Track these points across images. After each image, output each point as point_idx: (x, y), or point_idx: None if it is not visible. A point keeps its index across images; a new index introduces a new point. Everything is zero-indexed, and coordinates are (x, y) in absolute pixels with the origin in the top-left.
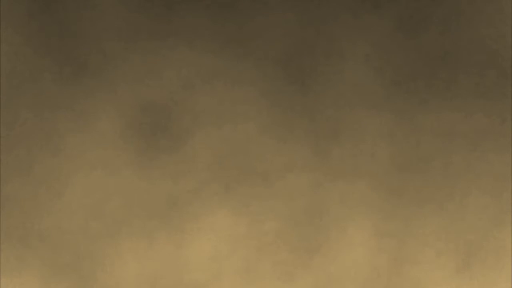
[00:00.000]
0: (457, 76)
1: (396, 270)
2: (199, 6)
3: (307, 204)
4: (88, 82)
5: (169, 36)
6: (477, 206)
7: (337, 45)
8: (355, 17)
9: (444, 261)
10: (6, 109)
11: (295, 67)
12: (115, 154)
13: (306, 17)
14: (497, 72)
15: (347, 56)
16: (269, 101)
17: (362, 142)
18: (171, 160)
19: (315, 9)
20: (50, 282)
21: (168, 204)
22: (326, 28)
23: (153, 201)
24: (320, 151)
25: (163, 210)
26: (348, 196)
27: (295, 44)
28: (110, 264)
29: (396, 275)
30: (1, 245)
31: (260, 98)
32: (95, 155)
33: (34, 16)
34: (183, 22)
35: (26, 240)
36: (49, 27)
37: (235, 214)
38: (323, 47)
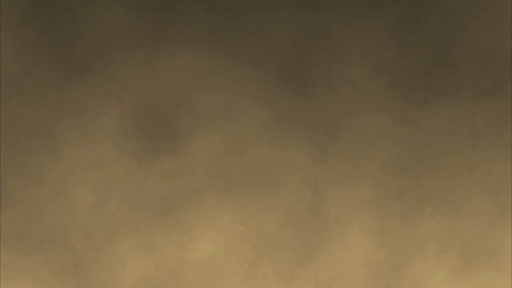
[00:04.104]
0: (457, 76)
1: (396, 270)
2: (199, 7)
3: (307, 204)
4: (88, 82)
5: (169, 37)
6: (477, 206)
7: (337, 46)
8: (355, 17)
9: (444, 261)
10: (6, 109)
11: (296, 68)
12: (115, 154)
13: (306, 18)
14: (497, 72)
15: (347, 56)
16: (269, 101)
17: (362, 142)
18: (171, 160)
19: (315, 10)
20: (50, 282)
21: (168, 204)
22: (326, 28)
23: (153, 201)
24: (320, 151)
25: (163, 210)
26: (348, 196)
27: (295, 44)
28: (110, 264)
29: (396, 275)
30: (1, 245)
31: (260, 99)
32: (95, 155)
33: (34, 17)
34: (183, 22)
35: (26, 240)
36: (49, 28)
37: (235, 214)
38: (323, 48)
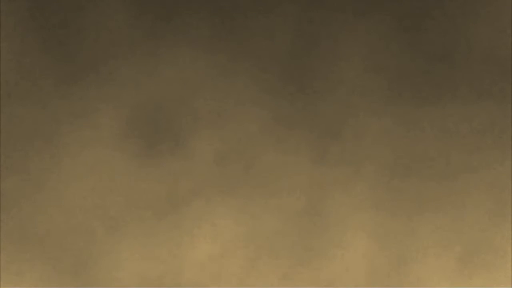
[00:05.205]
0: (457, 76)
1: (396, 270)
2: (199, 6)
3: (307, 205)
4: (88, 82)
5: (169, 36)
6: (477, 206)
7: (337, 45)
8: (355, 17)
9: (444, 261)
10: (6, 109)
11: (295, 67)
12: (115, 154)
13: (306, 17)
14: (497, 72)
15: (347, 56)
16: (269, 101)
17: (362, 142)
18: (171, 160)
19: (315, 9)
20: (50, 282)
21: (168, 204)
22: (326, 28)
23: (153, 201)
24: (320, 151)
25: (163, 210)
26: (348, 196)
27: (295, 44)
28: (110, 264)
29: (396, 275)
30: (1, 245)
31: (260, 98)
32: (95, 155)
33: (34, 16)
34: (183, 22)
35: (26, 240)
36: (49, 27)
37: (235, 214)
38: (323, 47)
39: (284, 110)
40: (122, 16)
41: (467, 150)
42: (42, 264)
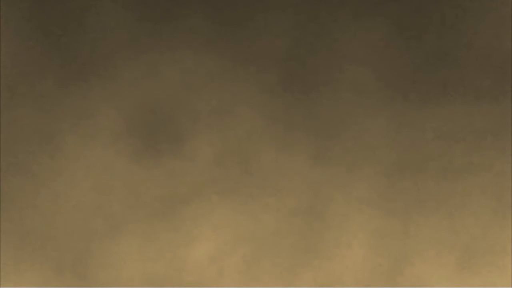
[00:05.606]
0: (457, 76)
1: (396, 270)
2: (199, 6)
3: (307, 204)
4: (88, 82)
5: (169, 36)
6: (477, 206)
7: (337, 45)
8: (355, 17)
9: (444, 261)
10: (6, 109)
11: (295, 67)
12: (115, 154)
13: (306, 17)
14: (497, 72)
15: (347, 56)
16: (269, 101)
17: (362, 143)
18: (171, 160)
19: (315, 9)
20: (50, 281)
21: (168, 204)
22: (326, 28)
23: (153, 201)
24: (320, 151)
25: (163, 210)
26: (348, 196)
27: (295, 44)
28: (110, 264)
29: (396, 275)
30: (1, 245)
31: (260, 98)
32: (95, 155)
33: (35, 16)
34: (183, 22)
35: (26, 240)
36: (49, 27)
37: (235, 214)
38: (323, 47)
39: (283, 110)
40: (122, 16)
41: (467, 150)
42: (42, 264)
